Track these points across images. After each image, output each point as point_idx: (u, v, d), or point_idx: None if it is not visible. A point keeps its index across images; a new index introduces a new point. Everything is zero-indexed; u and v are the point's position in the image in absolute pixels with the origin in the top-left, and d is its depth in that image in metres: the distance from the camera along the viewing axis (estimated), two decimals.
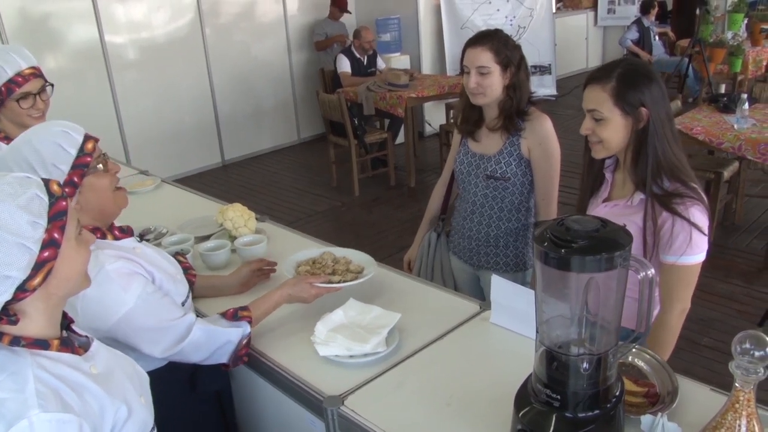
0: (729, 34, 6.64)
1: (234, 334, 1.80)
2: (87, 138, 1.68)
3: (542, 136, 2.46)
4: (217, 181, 7.25)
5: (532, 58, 9.24)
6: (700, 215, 1.80)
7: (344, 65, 6.84)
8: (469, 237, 2.66)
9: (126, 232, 1.81)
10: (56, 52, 6.33)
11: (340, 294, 1.99)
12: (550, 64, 9.57)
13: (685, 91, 8.04)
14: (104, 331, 1.67)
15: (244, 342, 1.82)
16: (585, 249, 1.16)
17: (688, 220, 1.78)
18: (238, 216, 2.55)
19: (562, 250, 1.16)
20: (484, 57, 2.38)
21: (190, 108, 7.31)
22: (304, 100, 8.26)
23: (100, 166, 1.71)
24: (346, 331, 1.86)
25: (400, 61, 7.88)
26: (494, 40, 2.40)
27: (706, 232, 1.81)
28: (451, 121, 2.77)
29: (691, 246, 1.80)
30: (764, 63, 7.70)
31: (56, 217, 1.18)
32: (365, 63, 6.98)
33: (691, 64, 7.82)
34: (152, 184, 3.36)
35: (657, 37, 9.21)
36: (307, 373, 1.75)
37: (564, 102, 9.35)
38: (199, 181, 7.12)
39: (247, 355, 1.85)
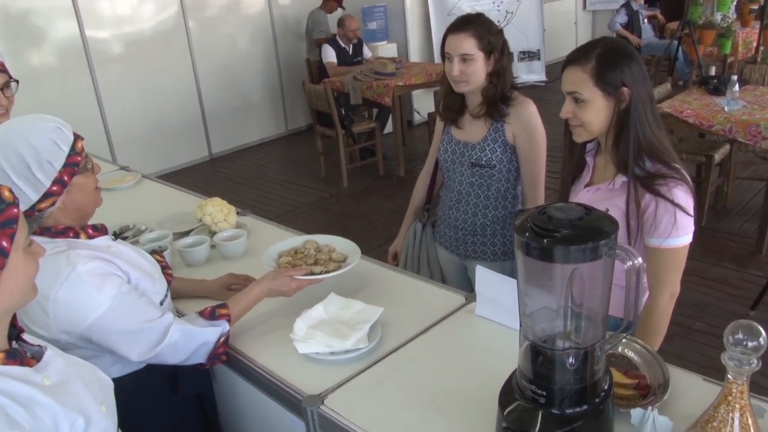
0: (718, 16, 6.57)
1: (212, 333, 1.74)
2: (76, 137, 1.63)
3: (527, 121, 2.40)
4: (205, 176, 7.18)
5: (520, 43, 9.19)
6: (684, 196, 1.75)
7: (329, 55, 6.75)
8: (455, 226, 2.60)
9: (100, 230, 1.74)
10: (36, 48, 6.23)
11: (322, 286, 1.93)
12: (538, 50, 9.51)
13: (675, 74, 7.97)
14: (78, 334, 1.60)
15: (222, 340, 1.75)
16: (568, 238, 1.09)
17: (672, 201, 1.73)
18: (218, 210, 2.48)
19: (545, 240, 1.10)
20: (467, 44, 2.31)
21: (176, 102, 7.22)
22: (291, 91, 8.18)
23: (89, 166, 1.66)
24: (327, 327, 1.80)
25: (386, 49, 7.80)
26: (477, 25, 2.33)
27: (692, 212, 1.76)
28: (436, 112, 2.71)
29: (677, 228, 1.75)
30: (754, 44, 7.64)
31: (6, 225, 1.10)
32: (351, 52, 6.90)
33: (681, 46, 7.76)
34: (132, 180, 3.29)
35: (646, 20, 9.14)
36: (287, 372, 1.69)
37: (553, 88, 9.23)
38: (187, 176, 7.06)
39: (226, 354, 1.79)
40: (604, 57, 1.75)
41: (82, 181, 1.63)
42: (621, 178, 1.81)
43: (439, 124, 2.66)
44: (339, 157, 6.40)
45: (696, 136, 5.33)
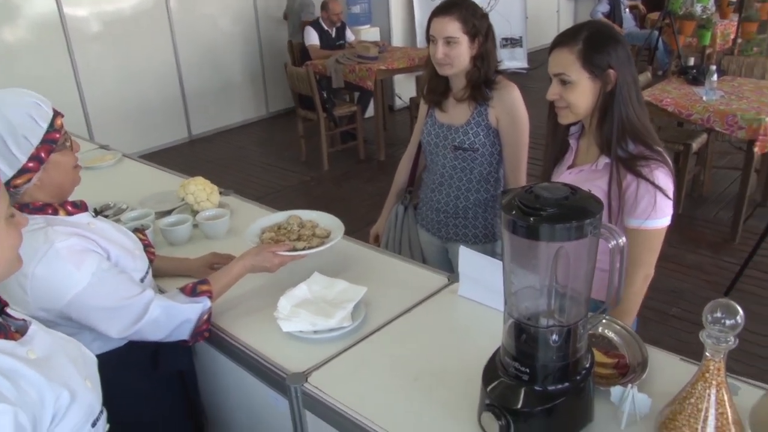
0: (698, 7, 6.62)
1: (194, 310, 1.73)
2: (56, 113, 1.61)
3: (510, 105, 2.41)
4: (184, 157, 7.12)
5: (503, 30, 9.20)
6: (664, 178, 1.77)
7: (312, 38, 6.72)
8: (437, 209, 2.62)
9: (79, 207, 1.73)
10: (12, 25, 6.13)
11: (305, 267, 1.94)
12: (521, 37, 9.53)
13: (654, 64, 8.04)
14: (57, 311, 1.59)
15: (205, 317, 1.75)
16: (554, 217, 1.11)
17: (653, 183, 1.75)
18: (201, 190, 2.47)
19: (531, 219, 1.12)
20: (452, 27, 2.32)
21: (156, 82, 7.15)
22: (272, 73, 8.13)
23: (68, 144, 1.64)
24: (311, 306, 1.81)
25: (369, 33, 7.78)
26: (462, 9, 2.33)
27: (671, 195, 1.79)
28: (420, 95, 2.72)
29: (656, 209, 1.78)
30: (731, 36, 7.72)
31: None
32: (334, 35, 6.87)
33: (661, 36, 7.82)
34: (112, 159, 3.26)
35: (627, 10, 9.19)
36: (270, 350, 1.70)
37: (535, 75, 9.30)
38: (166, 157, 7.00)
39: (209, 330, 1.79)
40: (592, 39, 1.77)
41: (60, 159, 1.61)
42: (604, 160, 1.83)
43: (422, 108, 2.67)
44: (320, 140, 6.39)
45: (675, 125, 5.39)
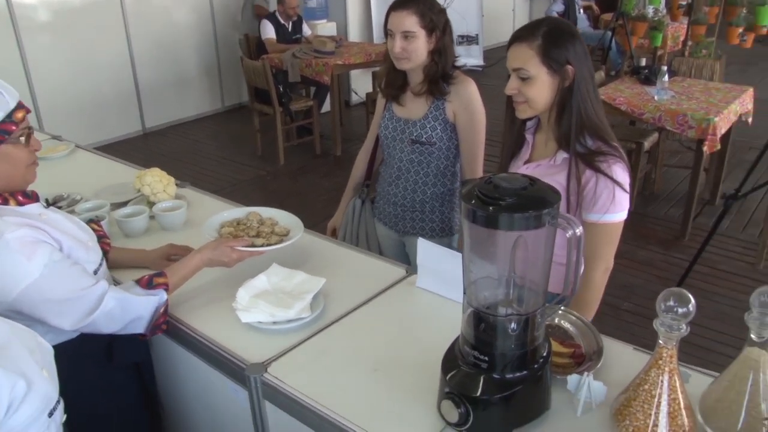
0: (650, 9, 6.74)
1: (149, 303, 1.71)
2: (19, 106, 1.58)
3: (467, 100, 2.43)
4: (138, 150, 7.01)
5: (459, 28, 9.26)
6: (622, 173, 1.81)
7: (269, 31, 6.67)
8: (395, 203, 2.63)
9: (30, 197, 1.70)
10: None
11: (263, 259, 1.93)
12: (477, 35, 9.61)
13: (608, 64, 8.17)
14: (7, 304, 1.56)
15: (162, 310, 1.73)
16: (513, 206, 1.13)
17: (612, 178, 1.79)
18: (157, 181, 2.44)
19: (490, 208, 1.13)
20: (409, 21, 2.32)
21: (108, 74, 7.03)
22: (228, 66, 8.06)
23: (22, 138, 1.60)
24: (270, 296, 1.80)
25: (326, 27, 7.75)
26: (419, 3, 2.34)
27: (628, 189, 1.83)
28: (378, 89, 2.73)
29: (614, 204, 1.81)
30: (681, 38, 7.89)
31: None
32: (290, 29, 6.82)
33: (614, 37, 7.95)
34: (66, 150, 3.20)
35: (582, 10, 9.34)
36: (229, 341, 1.69)
37: (491, 72, 9.40)
38: (119, 150, 6.87)
39: (167, 323, 1.77)
40: (551, 35, 1.79)
41: (11, 151, 1.58)
42: (562, 155, 1.86)
43: (380, 102, 2.67)
44: (276, 134, 6.36)
45: (627, 124, 5.49)
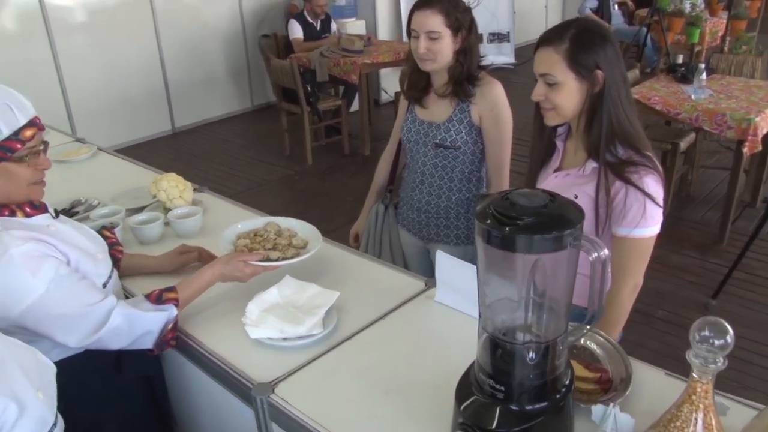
0: (687, 4, 6.58)
1: (158, 318, 1.65)
2: (30, 124, 1.52)
3: (493, 102, 2.33)
4: (167, 150, 7.02)
5: (490, 25, 9.13)
6: (654, 185, 1.70)
7: (296, 31, 6.61)
8: (419, 209, 2.54)
9: (38, 208, 1.64)
10: None
11: (278, 270, 1.85)
12: (508, 32, 9.46)
13: (643, 61, 7.98)
14: (11, 320, 1.50)
15: (170, 326, 1.67)
16: (531, 227, 1.03)
17: (642, 190, 1.68)
18: (173, 186, 2.38)
19: (506, 228, 1.04)
20: (434, 21, 2.23)
21: (139, 74, 7.03)
22: (257, 66, 8.01)
23: (27, 158, 1.55)
24: (281, 311, 1.73)
25: (355, 26, 7.68)
26: (444, 2, 2.25)
27: (661, 203, 1.71)
28: (401, 91, 2.65)
29: (645, 218, 1.70)
30: (720, 34, 7.68)
31: None
32: (318, 28, 6.76)
33: (650, 33, 7.77)
34: (88, 153, 3.16)
35: (616, 6, 9.13)
36: (237, 358, 1.62)
37: (522, 70, 9.23)
38: (149, 150, 6.92)
39: (176, 339, 1.70)
40: (579, 38, 1.68)
41: (14, 170, 1.53)
42: (591, 164, 1.76)
43: (402, 104, 2.59)
44: (304, 134, 6.30)
45: (662, 124, 5.33)
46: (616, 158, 1.71)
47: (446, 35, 2.25)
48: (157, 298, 1.68)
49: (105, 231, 2.06)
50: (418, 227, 2.57)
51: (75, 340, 1.56)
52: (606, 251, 1.09)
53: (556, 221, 1.05)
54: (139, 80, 7.06)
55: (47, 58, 6.32)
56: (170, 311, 1.67)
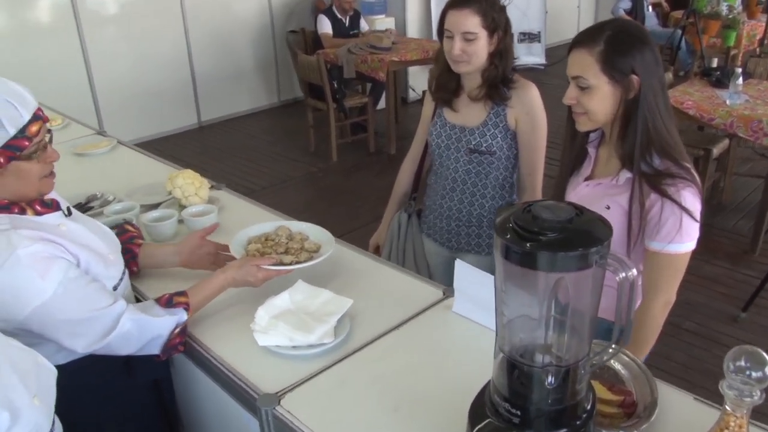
0: (724, 6, 6.40)
1: (167, 323, 1.60)
2: (35, 119, 1.46)
3: (530, 106, 2.25)
4: (193, 143, 7.02)
5: (521, 25, 9.00)
6: (692, 199, 1.61)
7: (325, 26, 6.55)
8: (448, 217, 2.44)
9: (50, 206, 1.59)
10: (23, 6, 6.02)
11: (291, 274, 1.79)
12: (539, 32, 9.32)
13: (676, 65, 7.82)
14: (18, 322, 1.45)
15: (177, 331, 1.61)
16: (555, 243, 0.96)
17: (679, 204, 1.59)
18: (189, 183, 2.33)
19: (527, 244, 0.96)
20: (471, 21, 2.14)
21: (166, 67, 7.02)
22: (285, 60, 7.96)
23: (37, 153, 1.50)
24: (291, 318, 1.66)
25: (384, 23, 7.59)
26: (482, 1, 2.16)
27: (698, 217, 1.62)
28: (428, 92, 2.54)
29: (681, 233, 1.61)
30: (758, 37, 7.48)
31: None
32: (347, 24, 6.70)
33: (684, 36, 7.60)
34: (107, 146, 3.12)
35: (650, 8, 8.95)
36: (244, 366, 1.56)
37: (553, 71, 9.10)
38: (175, 143, 6.92)
39: (184, 344, 1.65)
40: (615, 40, 1.60)
41: (24, 168, 1.48)
42: (625, 174, 1.67)
43: (428, 106, 2.49)
44: (329, 131, 6.24)
45: (695, 129, 5.20)
46: (652, 169, 1.63)
47: (482, 36, 2.17)
48: (168, 302, 1.63)
49: (127, 225, 2.03)
50: (446, 236, 2.48)
51: (82, 345, 1.51)
52: (634, 272, 1.00)
53: (581, 237, 0.97)
54: (167, 74, 7.05)
55: (76, 51, 6.33)
56: (180, 315, 1.62)
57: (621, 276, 1.00)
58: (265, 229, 1.98)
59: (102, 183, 2.63)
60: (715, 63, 5.47)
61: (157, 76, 6.95)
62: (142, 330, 1.56)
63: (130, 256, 1.92)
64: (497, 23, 2.18)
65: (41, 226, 1.52)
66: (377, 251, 2.68)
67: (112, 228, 2.07)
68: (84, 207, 2.42)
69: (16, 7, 5.97)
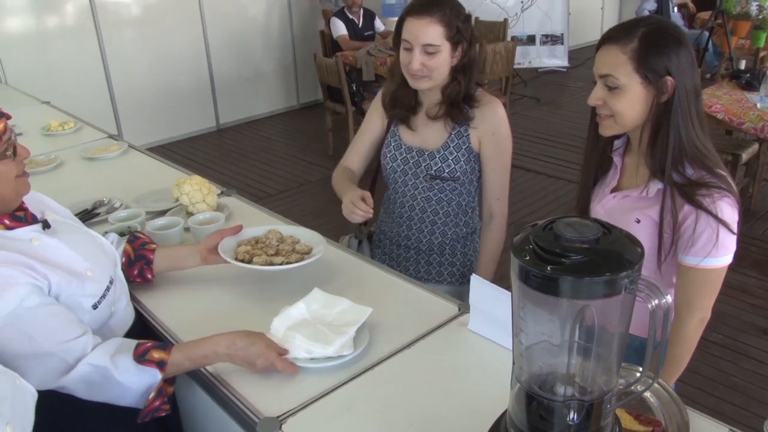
0: (754, 6, 6.23)
1: (134, 382, 1.41)
2: None
3: (496, 126, 2.06)
4: (211, 146, 6.99)
5: (544, 27, 8.89)
6: (729, 210, 1.50)
7: (340, 28, 6.50)
8: (406, 246, 2.26)
9: (23, 220, 1.48)
10: (42, 9, 6.02)
11: (304, 283, 1.71)
12: (562, 34, 9.18)
13: (703, 67, 7.66)
14: None
15: (152, 395, 1.42)
16: (580, 267, 0.85)
17: (716, 216, 1.48)
18: (196, 190, 2.25)
19: (548, 267, 0.86)
20: (433, 32, 1.91)
21: (185, 69, 7.01)
22: (304, 63, 7.91)
23: (9, 152, 1.41)
24: (308, 328, 1.57)
25: None
26: (445, 8, 1.92)
27: (735, 229, 1.51)
28: (382, 107, 2.23)
29: (717, 247, 1.50)
30: None
31: None
32: (360, 25, 6.62)
33: (711, 37, 7.44)
34: (118, 150, 3.06)
35: (676, 9, 8.79)
36: (245, 385, 1.46)
37: (575, 74, 8.97)
38: (192, 146, 6.90)
39: (168, 403, 1.46)
40: (650, 38, 1.48)
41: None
42: (656, 185, 1.56)
43: (376, 119, 2.23)
44: (348, 134, 6.16)
45: (722, 133, 5.06)
46: (685, 179, 1.52)
47: (445, 49, 1.94)
48: (140, 355, 1.43)
49: (137, 233, 1.95)
50: (404, 264, 2.29)
51: (36, 380, 1.33)
52: (668, 298, 0.90)
53: (609, 260, 0.86)
54: (185, 76, 7.04)
55: (95, 54, 6.33)
56: (150, 376, 1.42)
57: (654, 304, 0.89)
58: (256, 233, 1.93)
59: (111, 188, 2.58)
60: (743, 65, 5.33)
61: (175, 78, 6.94)
62: (104, 381, 1.40)
63: (144, 262, 1.84)
64: (462, 34, 1.96)
65: (8, 243, 1.42)
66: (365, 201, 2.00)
67: (122, 234, 2.00)
68: (90, 213, 2.35)
69: (36, 10, 5.98)
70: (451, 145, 2.08)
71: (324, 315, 1.64)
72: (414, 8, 1.95)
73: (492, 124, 2.06)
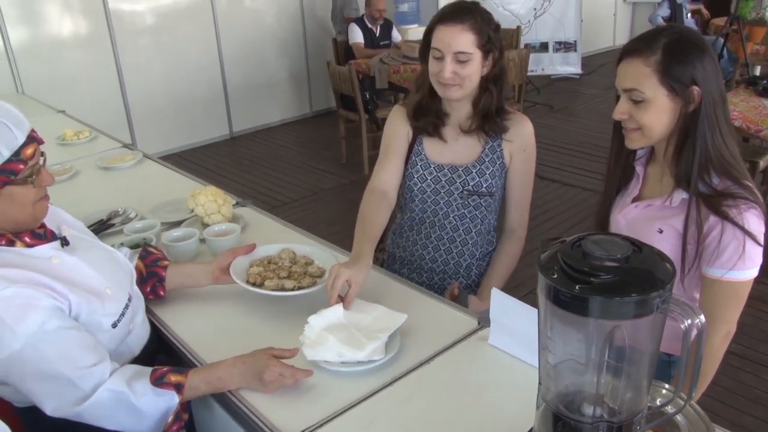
0: None
1: (152, 406, 1.41)
2: (30, 141, 1.37)
3: (527, 141, 2.03)
4: (224, 154, 6.98)
5: (557, 34, 8.87)
6: (756, 222, 1.47)
7: (357, 36, 6.49)
8: (430, 270, 2.16)
9: (43, 237, 1.47)
10: (58, 18, 6.04)
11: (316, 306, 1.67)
12: (575, 41, 9.15)
13: None
14: None
15: (170, 419, 1.41)
16: (609, 286, 0.83)
17: (742, 228, 1.45)
18: (211, 201, 2.24)
19: (577, 287, 0.84)
20: (465, 39, 1.86)
21: (198, 78, 7.02)
22: (317, 71, 7.92)
23: (32, 178, 1.40)
24: (342, 332, 1.57)
25: (417, 33, 7.50)
26: (476, 16, 1.88)
27: (762, 241, 1.48)
28: (408, 122, 2.11)
29: (744, 259, 1.47)
30: None
31: None
32: (378, 34, 6.62)
33: (726, 44, 7.40)
34: (132, 160, 3.06)
35: (690, 15, 8.75)
36: (264, 402, 1.44)
37: (588, 81, 8.93)
38: (206, 154, 6.91)
39: (185, 427, 1.46)
40: (673, 48, 1.45)
41: (18, 192, 1.39)
42: (681, 195, 1.53)
43: (400, 138, 2.12)
44: (361, 142, 6.15)
45: (739, 140, 5.01)
46: (711, 189, 1.49)
47: (476, 57, 1.89)
48: (158, 379, 1.43)
49: (150, 247, 1.93)
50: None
51: (51, 407, 1.36)
52: (702, 318, 0.87)
53: (640, 279, 0.84)
54: (199, 85, 7.05)
55: (109, 62, 6.35)
56: (169, 399, 1.42)
57: (687, 323, 0.87)
58: (269, 252, 1.91)
59: (126, 198, 2.58)
60: (758, 71, 5.29)
61: (189, 87, 6.95)
62: (121, 404, 1.39)
63: (156, 279, 1.83)
64: (493, 42, 1.91)
65: (29, 261, 1.41)
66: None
67: (134, 248, 1.99)
68: (105, 224, 2.35)
69: (52, 20, 6.00)
70: (486, 160, 2.04)
71: (359, 320, 1.64)
72: (445, 16, 1.91)
73: (525, 139, 2.04)
